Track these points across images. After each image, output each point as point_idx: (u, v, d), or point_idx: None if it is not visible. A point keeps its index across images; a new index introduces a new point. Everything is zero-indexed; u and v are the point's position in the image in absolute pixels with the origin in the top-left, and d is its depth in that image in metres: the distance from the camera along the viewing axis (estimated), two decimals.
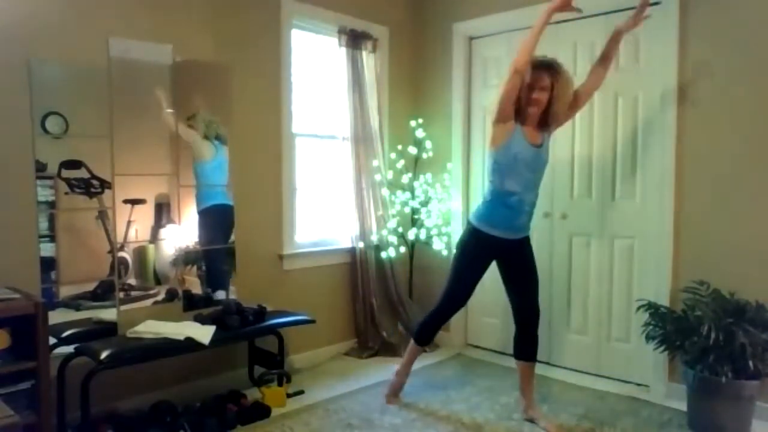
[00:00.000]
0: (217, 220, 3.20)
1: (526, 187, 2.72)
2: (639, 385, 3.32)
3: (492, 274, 2.94)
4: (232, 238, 3.23)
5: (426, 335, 3.08)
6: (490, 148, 2.76)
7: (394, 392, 3.13)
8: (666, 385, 3.18)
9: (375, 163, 3.98)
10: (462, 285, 2.91)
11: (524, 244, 2.85)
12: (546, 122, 2.75)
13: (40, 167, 2.59)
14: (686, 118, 3.07)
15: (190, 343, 2.60)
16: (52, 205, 2.67)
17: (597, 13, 3.42)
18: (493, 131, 2.75)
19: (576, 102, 2.82)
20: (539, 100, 2.64)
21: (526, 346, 2.86)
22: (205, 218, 3.13)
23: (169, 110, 2.96)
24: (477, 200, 2.89)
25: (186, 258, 3.09)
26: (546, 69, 2.66)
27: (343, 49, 3.81)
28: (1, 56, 2.47)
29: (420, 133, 4.11)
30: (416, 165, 4.13)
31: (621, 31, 2.83)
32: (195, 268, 3.14)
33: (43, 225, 2.64)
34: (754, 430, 2.72)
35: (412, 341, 3.11)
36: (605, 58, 2.87)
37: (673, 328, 2.80)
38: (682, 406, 2.92)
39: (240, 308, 2.95)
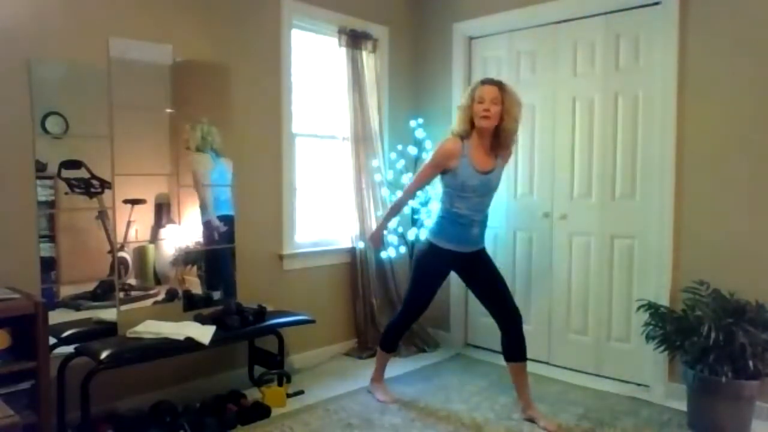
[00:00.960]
0: (224, 230, 3.19)
1: (474, 209, 2.80)
2: (639, 385, 3.32)
3: None
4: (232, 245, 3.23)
5: (390, 342, 3.18)
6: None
7: (383, 392, 3.16)
8: (666, 385, 3.18)
9: (375, 163, 3.98)
10: (421, 296, 3.03)
11: (481, 255, 2.93)
12: (498, 143, 2.78)
13: (40, 167, 2.59)
14: (686, 117, 3.07)
15: (190, 343, 2.60)
16: (52, 205, 2.68)
17: (597, 13, 3.43)
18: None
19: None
20: (490, 110, 2.68)
21: (514, 348, 2.87)
22: (210, 229, 3.13)
23: (169, 110, 2.96)
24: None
25: (186, 258, 3.09)
26: (495, 84, 2.73)
27: (343, 49, 3.81)
28: (1, 56, 2.47)
29: (420, 133, 4.11)
30: (416, 165, 4.12)
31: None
32: (195, 268, 3.14)
33: (43, 225, 2.64)
34: (754, 430, 2.72)
35: (378, 348, 3.22)
36: None
37: (673, 328, 2.80)
38: (682, 406, 2.92)
39: (240, 308, 2.95)
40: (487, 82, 2.76)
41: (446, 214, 2.83)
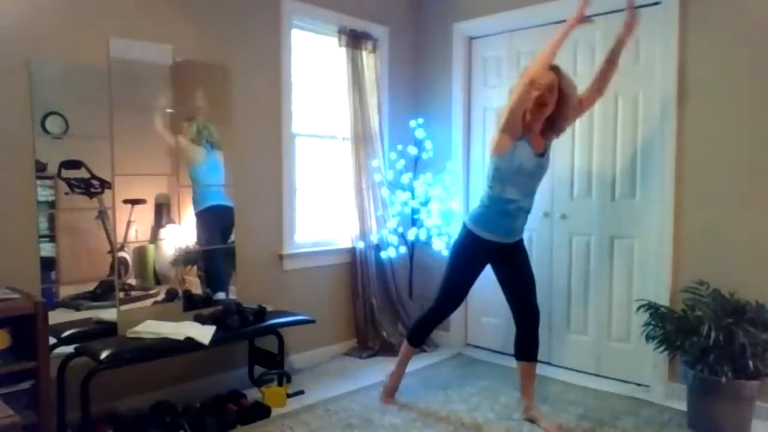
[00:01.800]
0: (215, 221, 3.20)
1: (526, 194, 2.73)
2: (639, 385, 3.32)
3: (491, 274, 2.94)
4: (232, 238, 3.23)
5: (419, 336, 3.10)
6: (493, 153, 2.69)
7: (390, 393, 3.12)
8: (666, 385, 3.18)
9: (375, 163, 3.98)
10: (457, 287, 2.93)
11: (518, 246, 2.87)
12: (551, 128, 2.72)
13: (40, 167, 2.59)
14: (686, 117, 3.07)
15: (190, 343, 2.60)
16: (52, 205, 2.68)
17: (597, 13, 3.42)
18: (498, 137, 2.67)
19: (581, 105, 2.79)
20: (548, 99, 2.59)
21: (528, 347, 2.86)
22: (203, 219, 3.13)
23: (169, 110, 2.96)
24: (477, 200, 2.88)
25: (186, 258, 3.09)
26: (551, 69, 2.63)
27: (343, 49, 3.81)
28: (1, 56, 2.47)
29: (420, 133, 4.11)
30: (416, 165, 4.13)
31: (622, 38, 2.75)
32: (195, 268, 3.14)
33: (43, 225, 2.64)
34: (754, 430, 2.73)
35: (405, 342, 3.12)
36: (610, 61, 2.80)
37: (673, 328, 2.80)
38: (682, 406, 2.92)
39: (240, 308, 2.95)
40: None
41: (493, 202, 2.72)
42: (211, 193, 3.21)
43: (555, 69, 2.64)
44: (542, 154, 2.71)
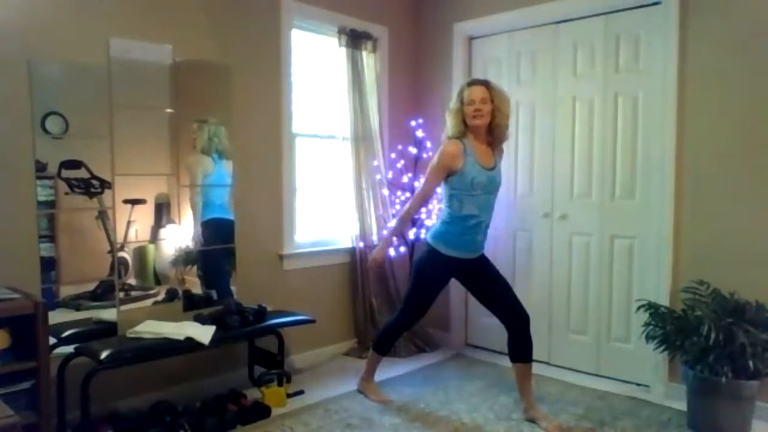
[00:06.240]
0: (215, 234, 3.17)
1: (484, 208, 2.82)
2: (639, 385, 3.32)
3: None
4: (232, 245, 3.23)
5: (385, 345, 3.18)
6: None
7: (375, 392, 3.16)
8: (666, 385, 3.18)
9: (375, 163, 3.98)
10: (420, 302, 3.02)
11: (482, 259, 2.93)
12: (493, 138, 2.84)
13: (40, 167, 2.59)
14: (686, 117, 3.07)
15: (190, 343, 2.60)
16: (52, 205, 2.67)
17: (597, 13, 3.43)
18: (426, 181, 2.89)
19: None
20: (482, 110, 2.73)
21: (522, 349, 2.86)
22: (204, 230, 3.12)
23: (169, 110, 2.96)
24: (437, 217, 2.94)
25: (186, 258, 3.09)
26: (482, 83, 2.79)
27: (343, 49, 3.81)
28: (1, 56, 2.47)
29: (420, 133, 4.11)
30: (416, 165, 4.13)
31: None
32: (195, 268, 3.14)
33: (43, 225, 2.64)
34: (754, 430, 2.72)
35: (371, 350, 3.21)
36: None
37: (673, 328, 2.79)
38: (682, 406, 2.92)
39: (240, 308, 2.95)
40: (473, 82, 2.82)
41: (453, 219, 2.81)
42: (214, 206, 3.20)
43: (485, 83, 2.79)
44: (492, 168, 2.81)
